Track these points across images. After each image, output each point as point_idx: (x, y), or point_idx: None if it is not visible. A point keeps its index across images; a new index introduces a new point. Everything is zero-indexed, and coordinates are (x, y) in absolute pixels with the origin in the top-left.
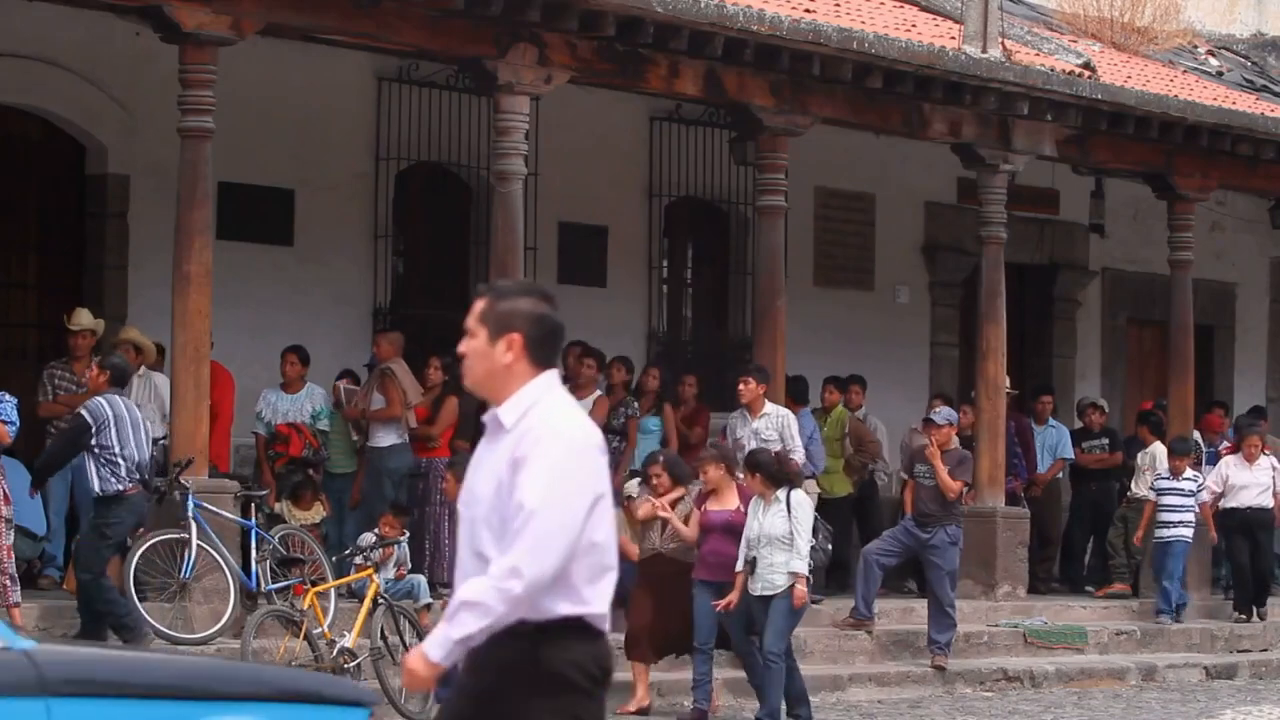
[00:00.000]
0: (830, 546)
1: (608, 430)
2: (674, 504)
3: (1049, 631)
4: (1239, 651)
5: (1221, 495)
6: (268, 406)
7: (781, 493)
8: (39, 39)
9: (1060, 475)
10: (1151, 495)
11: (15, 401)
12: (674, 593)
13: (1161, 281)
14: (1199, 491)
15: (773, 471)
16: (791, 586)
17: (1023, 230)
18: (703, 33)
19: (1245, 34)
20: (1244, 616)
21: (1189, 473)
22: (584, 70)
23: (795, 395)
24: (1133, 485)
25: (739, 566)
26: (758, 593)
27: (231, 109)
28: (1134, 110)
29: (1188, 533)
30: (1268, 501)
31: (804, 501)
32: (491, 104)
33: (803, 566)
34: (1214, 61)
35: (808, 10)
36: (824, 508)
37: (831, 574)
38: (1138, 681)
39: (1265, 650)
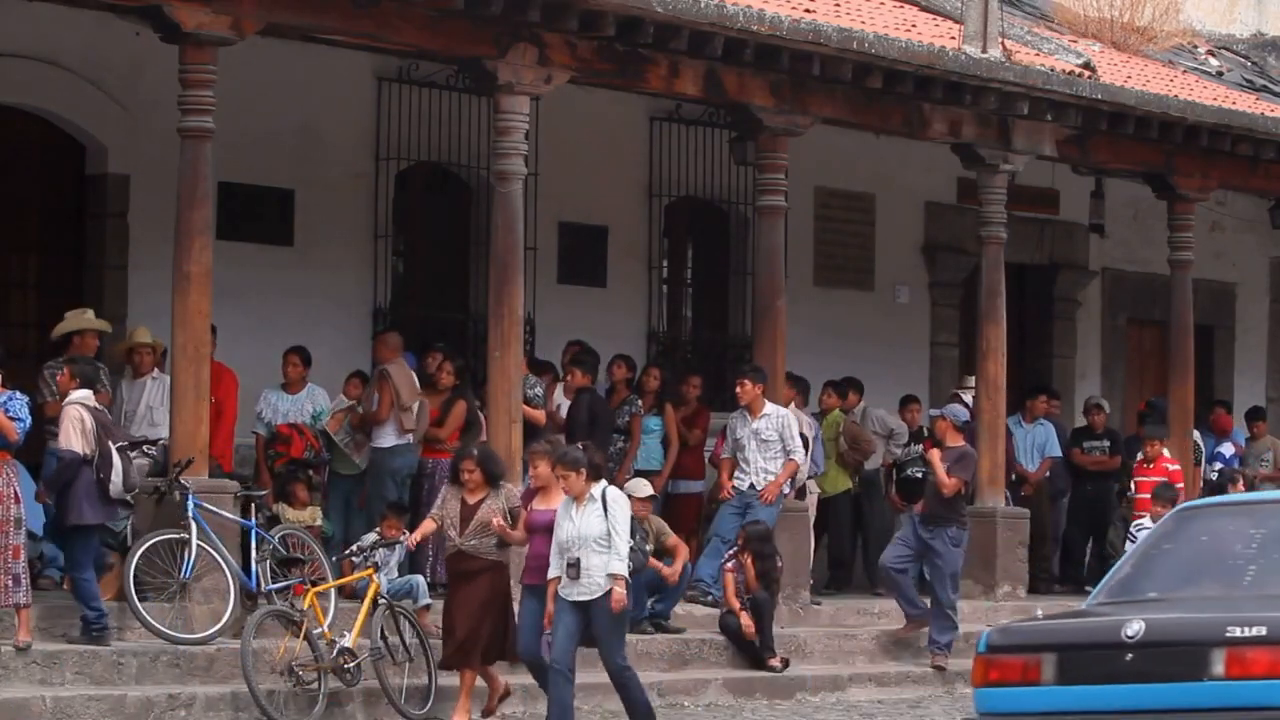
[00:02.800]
0: (649, 548)
1: (612, 429)
2: (479, 502)
3: None
4: None
5: None
6: (268, 407)
7: (597, 490)
8: (39, 39)
9: (1059, 473)
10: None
11: (27, 400)
12: (481, 591)
13: (1161, 281)
14: None
15: (596, 466)
16: (610, 590)
17: (1023, 230)
18: (703, 33)
19: (1245, 34)
20: None
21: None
22: (584, 70)
23: (802, 394)
24: (1131, 485)
25: (552, 572)
26: (574, 598)
27: (231, 109)
28: (1134, 110)
29: None
30: None
31: (620, 499)
32: (491, 104)
33: (622, 568)
34: (1214, 61)
35: (808, 10)
36: (824, 506)
37: (833, 573)
38: None
39: None
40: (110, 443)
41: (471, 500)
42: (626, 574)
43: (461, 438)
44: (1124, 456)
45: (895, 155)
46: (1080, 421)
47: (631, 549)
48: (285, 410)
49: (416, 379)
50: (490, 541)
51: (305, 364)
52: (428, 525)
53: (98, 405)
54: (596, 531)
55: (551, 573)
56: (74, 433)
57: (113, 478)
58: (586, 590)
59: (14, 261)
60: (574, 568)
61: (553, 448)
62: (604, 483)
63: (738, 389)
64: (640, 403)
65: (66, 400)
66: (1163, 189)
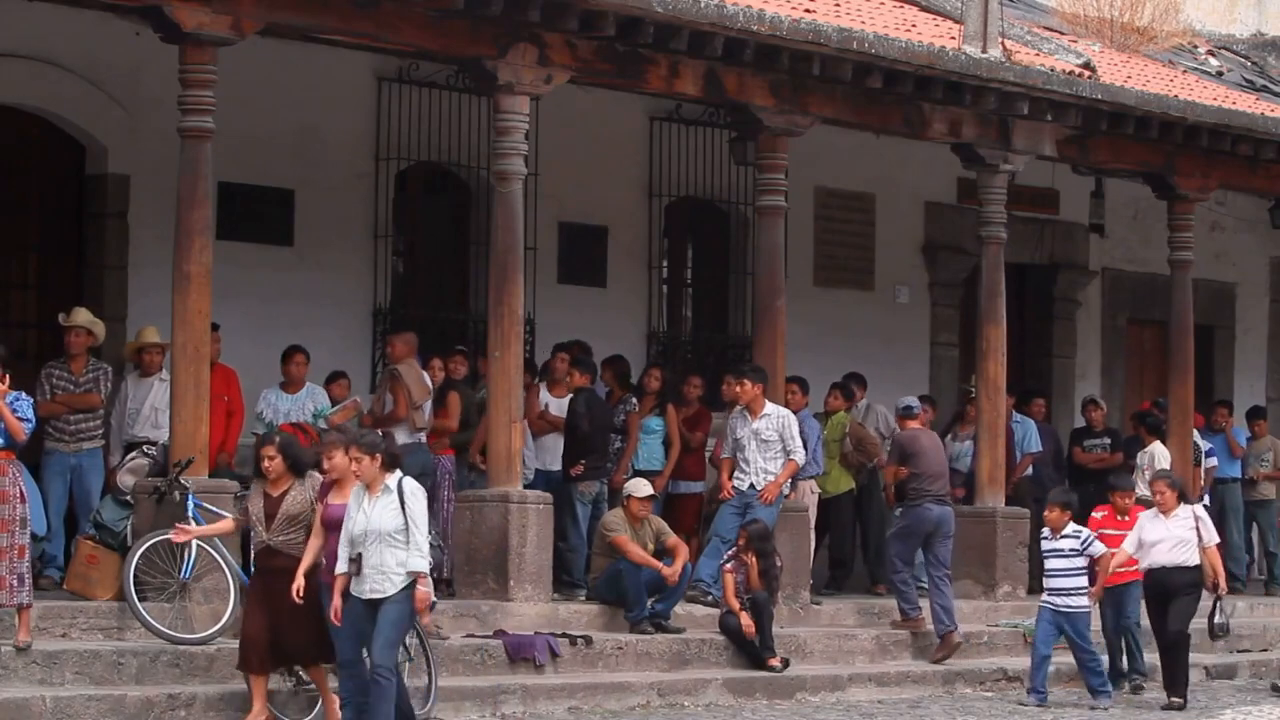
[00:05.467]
0: (443, 544)
1: (610, 428)
2: (283, 494)
3: None
4: (1239, 651)
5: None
6: (268, 407)
7: (392, 481)
8: (39, 39)
9: (1047, 473)
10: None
11: (31, 400)
12: (288, 592)
13: (1161, 281)
14: (1085, 548)
15: (394, 456)
16: (410, 587)
17: (1023, 230)
18: (703, 33)
19: (1245, 34)
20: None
21: (1070, 528)
22: (584, 70)
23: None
24: (1135, 486)
25: (340, 568)
26: (365, 596)
27: (231, 109)
28: (1134, 110)
29: (1082, 602)
30: (1185, 558)
31: (418, 491)
32: (491, 104)
33: (423, 564)
34: (1214, 61)
35: (808, 10)
36: (825, 506)
37: (833, 573)
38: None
39: (1265, 650)
40: None
41: (275, 493)
42: (428, 570)
43: (460, 433)
44: (1125, 455)
45: (895, 155)
46: (1080, 421)
47: (430, 545)
48: (286, 410)
49: (429, 378)
50: (299, 538)
51: (305, 363)
52: (223, 525)
53: None
54: (390, 525)
55: (339, 568)
56: None
57: None
58: (380, 588)
59: (14, 261)
60: (355, 563)
61: (347, 435)
62: (399, 473)
63: (736, 388)
64: (636, 402)
65: None
66: (1163, 189)
